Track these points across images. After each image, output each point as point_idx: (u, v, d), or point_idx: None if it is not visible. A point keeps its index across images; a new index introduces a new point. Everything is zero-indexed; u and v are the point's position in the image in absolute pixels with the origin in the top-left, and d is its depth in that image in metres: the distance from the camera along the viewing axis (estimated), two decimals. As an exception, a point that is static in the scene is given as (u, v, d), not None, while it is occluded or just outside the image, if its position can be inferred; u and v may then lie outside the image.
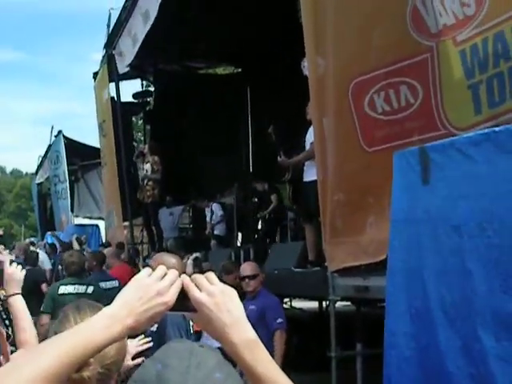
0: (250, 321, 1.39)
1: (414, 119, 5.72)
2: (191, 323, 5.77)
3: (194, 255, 10.03)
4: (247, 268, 6.92)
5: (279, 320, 6.40)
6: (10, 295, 3.38)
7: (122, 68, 13.64)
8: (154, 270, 1.35)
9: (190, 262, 9.29)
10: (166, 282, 1.33)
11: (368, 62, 6.06)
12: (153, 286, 1.31)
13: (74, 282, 7.79)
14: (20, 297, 3.38)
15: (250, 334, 1.36)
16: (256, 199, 13.22)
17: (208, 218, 14.06)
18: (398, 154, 4.73)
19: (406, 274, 4.14)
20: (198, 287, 1.36)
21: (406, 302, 4.06)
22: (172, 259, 5.91)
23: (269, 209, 12.96)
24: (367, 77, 6.01)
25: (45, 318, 7.15)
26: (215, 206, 13.85)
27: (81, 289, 7.72)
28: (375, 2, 5.95)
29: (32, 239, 15.78)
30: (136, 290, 1.30)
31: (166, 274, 1.34)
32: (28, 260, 11.46)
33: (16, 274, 3.48)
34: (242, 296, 6.28)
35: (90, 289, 7.76)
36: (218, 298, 1.34)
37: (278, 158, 8.90)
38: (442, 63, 5.35)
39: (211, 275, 1.40)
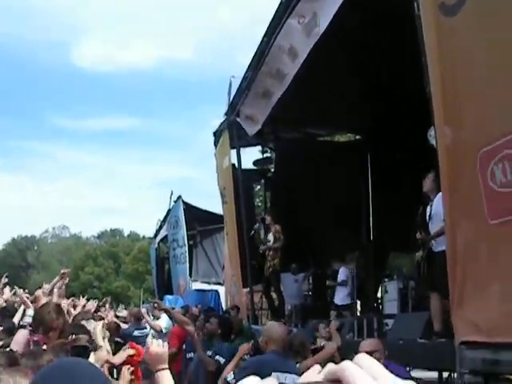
0: None
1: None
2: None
3: (337, 323, 9.83)
4: (366, 345, 6.72)
5: None
6: (157, 370, 3.48)
7: (252, 130, 13.83)
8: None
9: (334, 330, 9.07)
10: None
11: (491, 132, 5.97)
12: None
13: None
14: (166, 372, 3.48)
15: None
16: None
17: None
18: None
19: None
20: None
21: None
22: (279, 329, 6.24)
23: None
24: (490, 147, 5.91)
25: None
26: (342, 270, 13.81)
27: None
28: (498, 69, 5.85)
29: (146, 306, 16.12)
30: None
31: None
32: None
33: (159, 351, 3.59)
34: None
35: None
36: None
37: (418, 234, 8.87)
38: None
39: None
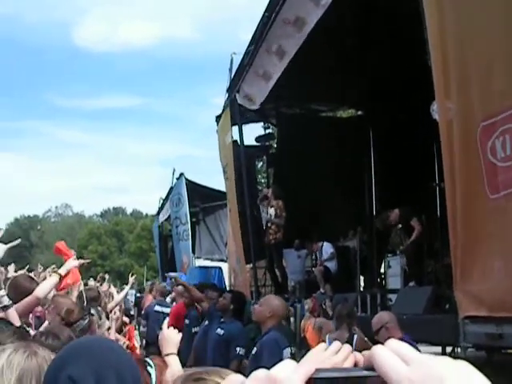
0: None
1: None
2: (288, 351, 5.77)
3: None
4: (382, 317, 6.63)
5: None
6: (166, 355, 3.52)
7: (250, 107, 13.85)
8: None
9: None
10: (339, 357, 1.01)
11: (491, 107, 5.93)
12: (328, 361, 1.07)
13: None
14: (174, 357, 3.52)
15: None
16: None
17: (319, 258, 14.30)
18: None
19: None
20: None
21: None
22: (276, 301, 6.38)
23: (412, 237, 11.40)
24: (490, 121, 5.88)
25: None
26: (326, 245, 13.87)
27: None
28: (497, 44, 5.80)
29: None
30: (313, 364, 1.11)
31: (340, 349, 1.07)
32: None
33: (172, 336, 3.65)
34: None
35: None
36: None
37: None
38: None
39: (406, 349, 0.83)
